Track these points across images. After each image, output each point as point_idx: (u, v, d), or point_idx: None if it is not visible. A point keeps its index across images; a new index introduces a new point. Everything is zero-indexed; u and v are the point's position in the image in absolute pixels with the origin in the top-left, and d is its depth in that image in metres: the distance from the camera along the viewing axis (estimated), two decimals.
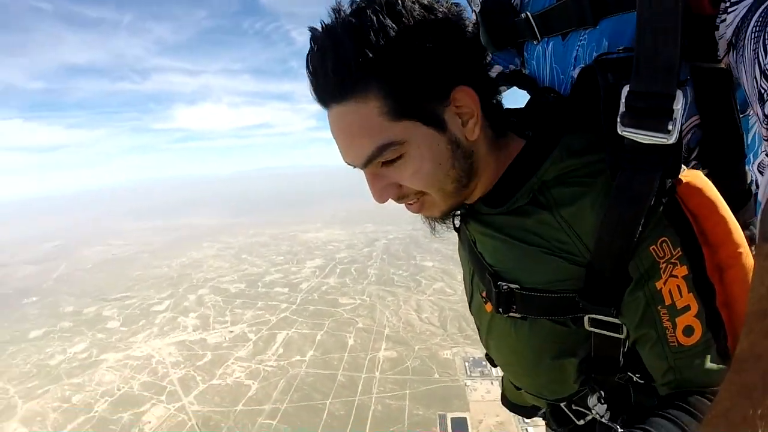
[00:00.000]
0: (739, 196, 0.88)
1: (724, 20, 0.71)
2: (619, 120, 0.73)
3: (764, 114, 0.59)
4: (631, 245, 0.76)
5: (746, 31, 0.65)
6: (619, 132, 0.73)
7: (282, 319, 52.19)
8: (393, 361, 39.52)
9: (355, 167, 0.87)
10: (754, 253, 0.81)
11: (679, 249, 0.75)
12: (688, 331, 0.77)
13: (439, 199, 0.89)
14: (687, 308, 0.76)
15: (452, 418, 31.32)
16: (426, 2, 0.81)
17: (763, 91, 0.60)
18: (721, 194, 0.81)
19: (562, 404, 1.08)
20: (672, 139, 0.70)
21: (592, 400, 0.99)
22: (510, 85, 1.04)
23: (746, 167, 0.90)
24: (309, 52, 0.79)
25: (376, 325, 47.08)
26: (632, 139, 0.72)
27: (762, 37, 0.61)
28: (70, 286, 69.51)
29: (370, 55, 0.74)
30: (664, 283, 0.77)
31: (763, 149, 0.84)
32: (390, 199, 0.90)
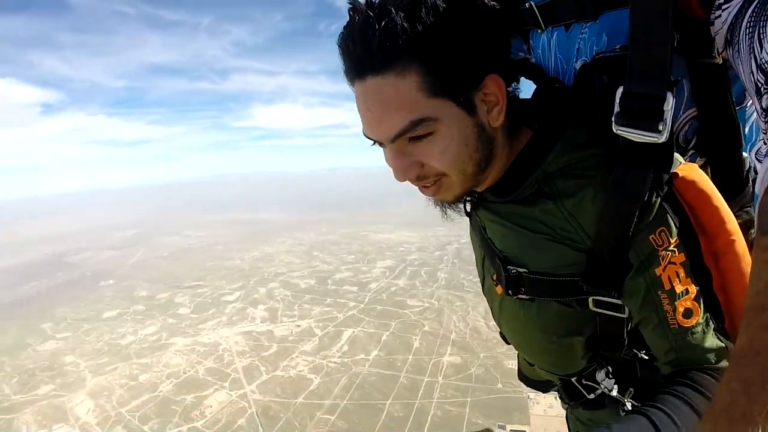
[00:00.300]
0: (737, 182, 0.95)
1: (719, 16, 0.75)
2: (614, 119, 0.79)
3: (762, 107, 0.62)
4: (627, 235, 0.83)
5: (741, 27, 0.69)
6: (614, 131, 0.79)
7: (349, 317, 51.27)
8: (457, 367, 37.74)
9: (378, 143, 0.88)
10: (752, 239, 0.91)
11: (676, 238, 0.81)
12: (687, 313, 0.83)
13: (457, 182, 0.91)
14: (686, 292, 0.83)
15: (512, 431, 30.57)
16: None
17: (759, 84, 0.63)
18: (719, 181, 0.90)
19: (572, 379, 1.16)
20: (663, 138, 0.76)
21: (600, 375, 1.05)
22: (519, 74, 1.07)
23: (744, 155, 0.95)
24: (350, 22, 0.80)
25: (443, 330, 45.29)
26: (626, 138, 0.79)
27: (756, 32, 0.64)
28: (146, 272, 72.18)
29: (420, 30, 0.76)
30: (663, 270, 0.83)
31: (760, 138, 0.89)
32: (408, 180, 0.92)
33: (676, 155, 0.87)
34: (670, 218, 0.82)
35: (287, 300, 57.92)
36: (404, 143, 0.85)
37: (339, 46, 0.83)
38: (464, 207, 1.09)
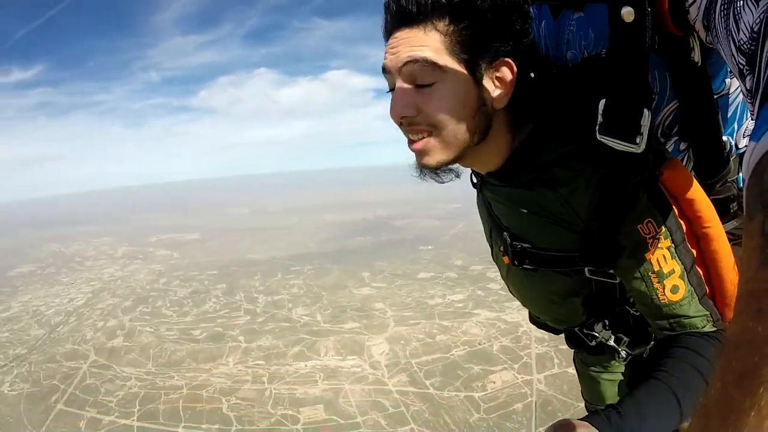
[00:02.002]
0: (718, 161, 1.19)
1: (693, 3, 0.88)
2: (597, 129, 1.01)
3: (747, 88, 0.66)
4: (614, 224, 1.09)
5: (715, 11, 0.77)
6: (598, 138, 1.02)
7: None
8: None
9: (390, 73, 1.08)
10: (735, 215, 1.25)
11: (662, 227, 1.06)
12: (675, 289, 1.10)
13: (446, 143, 1.08)
14: (672, 272, 1.09)
15: None
16: None
17: (741, 66, 0.68)
18: (701, 161, 1.19)
19: (575, 329, 1.45)
20: (640, 149, 0.97)
21: (598, 327, 1.37)
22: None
23: (724, 138, 1.17)
24: None
25: None
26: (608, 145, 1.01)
27: (731, 14, 0.70)
28: (464, 243, 76.91)
29: (451, 4, 1.00)
30: (652, 254, 1.08)
31: (747, 117, 1.17)
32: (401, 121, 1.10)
33: (664, 150, 1.14)
34: (656, 210, 1.06)
35: None
36: (411, 86, 1.05)
37: (384, 5, 1.07)
38: (471, 180, 1.44)
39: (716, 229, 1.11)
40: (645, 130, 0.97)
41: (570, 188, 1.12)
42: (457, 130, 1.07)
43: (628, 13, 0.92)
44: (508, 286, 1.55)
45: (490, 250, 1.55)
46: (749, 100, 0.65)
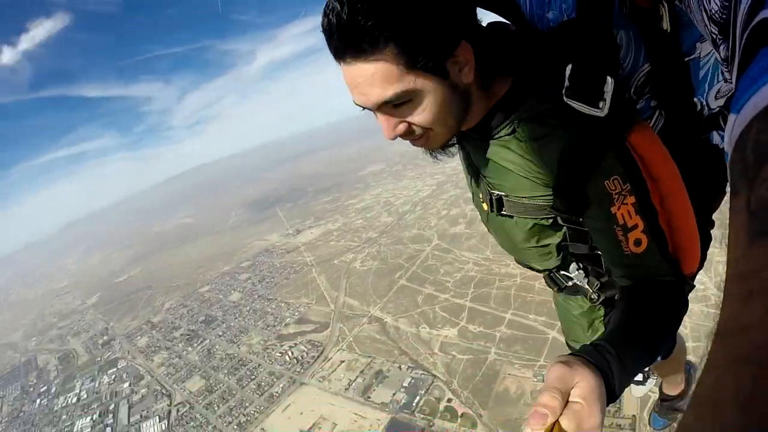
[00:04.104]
0: (689, 120, 1.44)
1: None
2: (563, 92, 1.24)
3: (722, 57, 0.74)
4: (581, 178, 1.30)
5: None
6: (565, 100, 1.24)
7: None
8: None
9: (366, 109, 1.28)
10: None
11: (628, 184, 1.27)
12: (637, 242, 1.31)
13: (441, 133, 1.35)
14: (636, 226, 1.30)
15: None
16: None
17: (714, 35, 0.76)
18: (673, 120, 1.44)
19: (552, 272, 1.83)
20: (603, 113, 1.19)
21: (572, 269, 1.75)
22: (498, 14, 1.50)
23: (695, 99, 1.40)
24: (329, 12, 1.13)
25: None
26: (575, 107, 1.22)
27: None
28: None
29: (390, 19, 1.11)
30: (618, 209, 1.29)
31: (717, 81, 1.40)
32: (398, 137, 1.35)
33: (634, 112, 1.37)
34: (622, 168, 1.26)
35: None
36: (390, 108, 1.24)
37: (323, 32, 1.18)
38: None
39: (679, 188, 1.33)
40: (608, 96, 1.18)
41: (542, 144, 1.34)
42: (446, 122, 1.31)
43: None
44: (488, 230, 1.89)
45: (471, 198, 1.88)
46: (726, 69, 0.71)
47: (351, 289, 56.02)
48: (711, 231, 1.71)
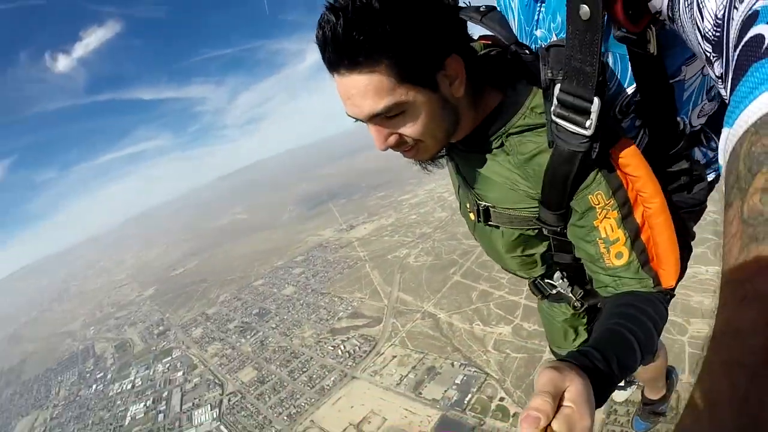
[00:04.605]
0: (671, 138, 1.52)
1: None
2: (552, 110, 1.29)
3: (716, 75, 0.79)
4: (566, 192, 1.39)
5: (680, 3, 0.93)
6: (553, 119, 1.30)
7: None
8: None
9: (359, 120, 1.34)
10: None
11: (611, 199, 1.36)
12: (619, 255, 1.40)
13: (431, 145, 1.42)
14: (617, 240, 1.39)
15: None
16: None
17: (708, 53, 0.80)
18: (656, 138, 1.52)
19: (537, 280, 1.93)
20: (590, 133, 1.24)
21: (556, 277, 1.84)
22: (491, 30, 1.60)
23: (678, 118, 1.48)
24: (324, 25, 1.18)
25: None
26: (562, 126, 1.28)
27: (694, 4, 0.83)
28: None
29: (384, 33, 1.16)
30: (600, 222, 1.40)
31: (703, 99, 1.50)
32: (390, 148, 1.41)
33: (619, 129, 1.42)
34: (606, 184, 1.35)
35: None
36: (382, 120, 1.30)
37: (317, 43, 1.23)
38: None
39: (660, 204, 1.38)
40: (594, 116, 1.22)
41: (529, 158, 1.43)
42: (436, 134, 1.39)
43: (584, 12, 1.14)
44: (475, 238, 1.97)
45: (459, 207, 1.95)
46: (720, 86, 0.75)
47: (404, 284, 56.54)
48: (691, 243, 1.85)
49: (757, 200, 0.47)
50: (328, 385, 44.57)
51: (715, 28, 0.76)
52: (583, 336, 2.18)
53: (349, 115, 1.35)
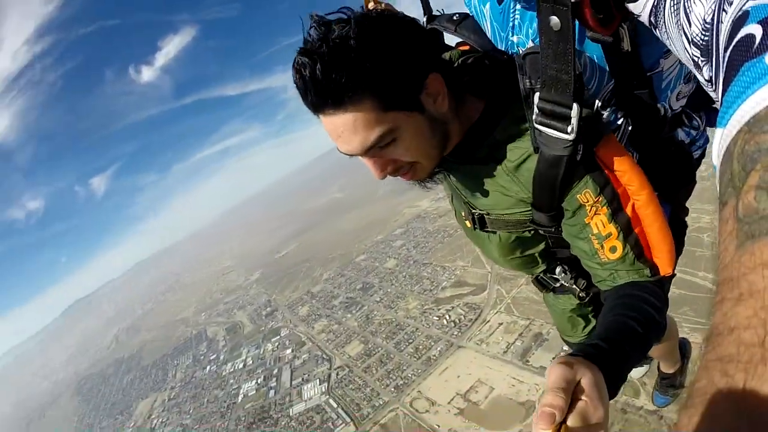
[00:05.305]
0: (653, 125, 1.61)
1: (636, 1, 1.08)
2: (533, 118, 1.36)
3: (705, 79, 0.81)
4: (555, 194, 1.46)
5: (664, 10, 0.96)
6: (534, 125, 1.37)
7: None
8: None
9: (352, 156, 1.41)
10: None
11: (599, 196, 1.43)
12: (613, 249, 1.48)
13: (427, 164, 1.51)
14: (610, 235, 1.47)
15: None
16: (390, 19, 1.34)
17: (696, 58, 0.83)
18: (641, 126, 1.59)
19: (539, 276, 2.05)
20: (571, 137, 1.31)
21: (558, 271, 1.95)
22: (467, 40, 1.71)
23: (658, 105, 1.57)
24: (301, 69, 1.24)
25: None
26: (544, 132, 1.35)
27: (681, 10, 0.86)
28: None
29: (362, 70, 1.23)
30: (591, 219, 1.47)
31: (680, 83, 1.61)
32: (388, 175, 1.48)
33: (602, 127, 1.46)
34: (593, 182, 1.43)
35: None
36: (376, 151, 1.37)
37: (296, 87, 1.30)
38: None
39: (648, 195, 1.45)
40: (575, 121, 1.29)
41: (517, 163, 1.51)
42: (429, 153, 1.49)
43: (555, 23, 1.20)
44: (472, 242, 2.09)
45: (454, 214, 2.11)
46: (710, 89, 0.77)
47: None
48: (685, 218, 1.99)
49: (752, 198, 0.48)
50: (434, 356, 45.51)
51: (703, 33, 0.77)
52: (592, 323, 2.29)
53: (343, 153, 1.41)
